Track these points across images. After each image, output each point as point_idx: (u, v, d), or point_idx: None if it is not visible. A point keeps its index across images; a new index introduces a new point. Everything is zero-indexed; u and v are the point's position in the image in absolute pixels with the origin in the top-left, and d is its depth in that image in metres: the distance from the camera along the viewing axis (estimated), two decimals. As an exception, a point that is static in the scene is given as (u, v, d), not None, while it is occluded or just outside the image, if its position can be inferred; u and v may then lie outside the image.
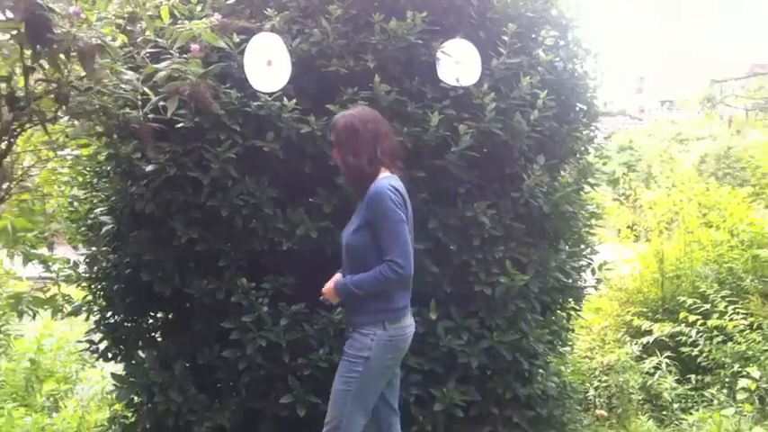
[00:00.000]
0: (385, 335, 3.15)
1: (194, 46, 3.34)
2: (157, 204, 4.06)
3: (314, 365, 3.89)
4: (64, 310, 5.22)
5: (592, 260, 4.95)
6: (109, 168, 4.48)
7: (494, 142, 4.06)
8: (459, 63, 4.02)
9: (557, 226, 4.32)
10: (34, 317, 7.10)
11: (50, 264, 5.48)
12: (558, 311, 4.73)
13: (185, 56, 3.39)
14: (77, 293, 5.07)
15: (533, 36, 4.32)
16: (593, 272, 5.04)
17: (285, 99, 3.77)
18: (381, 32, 3.90)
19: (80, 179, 4.88)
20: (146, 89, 3.43)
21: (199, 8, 3.88)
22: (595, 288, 5.23)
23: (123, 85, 3.36)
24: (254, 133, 3.88)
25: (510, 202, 4.12)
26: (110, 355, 4.80)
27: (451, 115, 3.94)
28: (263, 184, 3.93)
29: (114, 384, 4.51)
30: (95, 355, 4.89)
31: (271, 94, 3.81)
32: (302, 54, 3.88)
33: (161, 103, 3.42)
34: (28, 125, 3.83)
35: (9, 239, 5.62)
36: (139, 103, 3.40)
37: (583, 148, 4.40)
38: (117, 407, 4.81)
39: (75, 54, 3.17)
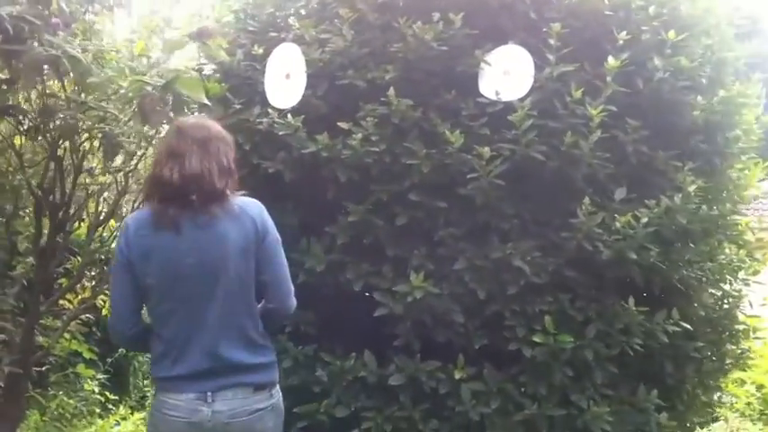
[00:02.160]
0: (154, 403, 2.47)
1: (159, 56, 3.12)
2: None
3: (312, 417, 3.43)
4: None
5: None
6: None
7: (551, 169, 3.32)
8: (507, 73, 3.36)
9: (634, 277, 3.41)
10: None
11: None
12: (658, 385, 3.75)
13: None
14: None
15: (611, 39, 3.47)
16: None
17: (289, 116, 3.39)
18: (413, 38, 3.35)
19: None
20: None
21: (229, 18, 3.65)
22: (738, 360, 4.11)
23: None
24: (271, 154, 3.54)
25: (565, 245, 3.34)
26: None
27: (485, 135, 3.28)
28: (286, 210, 3.57)
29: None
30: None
31: (281, 111, 3.45)
32: (319, 65, 3.47)
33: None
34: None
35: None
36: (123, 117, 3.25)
37: (682, 181, 3.41)
38: None
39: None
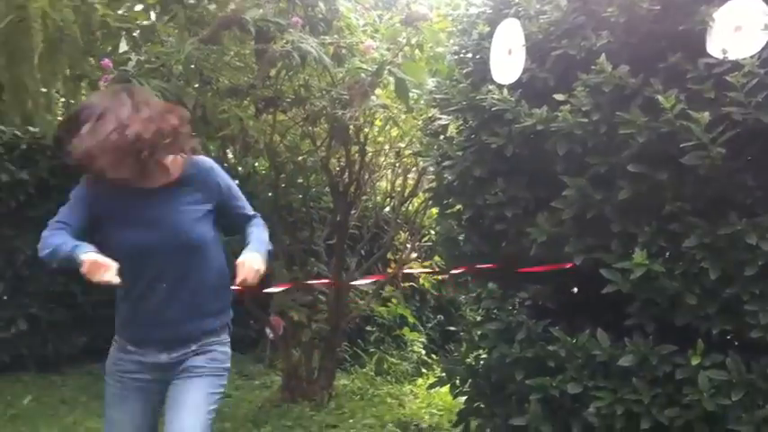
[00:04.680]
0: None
1: (369, 43, 3.33)
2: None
3: (545, 390, 3.42)
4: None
5: None
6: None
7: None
8: (739, 29, 2.95)
9: None
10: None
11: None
12: None
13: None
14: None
15: None
16: None
17: (505, 91, 3.37)
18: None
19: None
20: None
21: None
22: None
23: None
24: (500, 130, 3.56)
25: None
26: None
27: (709, 100, 2.93)
28: (520, 185, 3.59)
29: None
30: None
31: (503, 86, 3.45)
32: (538, 37, 3.39)
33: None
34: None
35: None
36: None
37: None
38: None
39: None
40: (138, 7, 5.16)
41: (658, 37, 3.13)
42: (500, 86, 3.44)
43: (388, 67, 3.43)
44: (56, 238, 2.38)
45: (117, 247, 2.42)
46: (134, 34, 4.79)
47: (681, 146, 2.91)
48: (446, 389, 4.27)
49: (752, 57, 2.83)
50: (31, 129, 5.95)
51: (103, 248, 2.35)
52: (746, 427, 2.97)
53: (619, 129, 3.11)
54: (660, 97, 2.94)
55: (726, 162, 2.92)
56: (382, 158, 5.03)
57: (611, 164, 3.20)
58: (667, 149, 3.03)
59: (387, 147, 4.94)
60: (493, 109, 3.39)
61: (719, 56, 2.93)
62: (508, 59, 3.47)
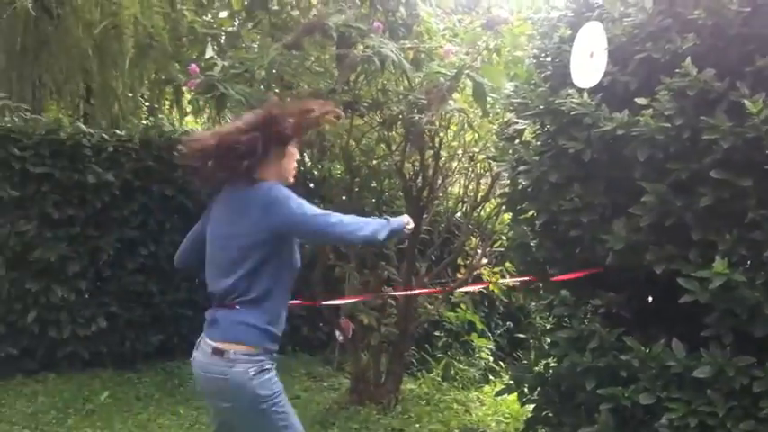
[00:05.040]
0: None
1: (448, 48, 3.35)
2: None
3: (616, 400, 3.36)
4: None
5: None
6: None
7: None
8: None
9: None
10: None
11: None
12: None
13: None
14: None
15: None
16: None
17: (585, 95, 3.36)
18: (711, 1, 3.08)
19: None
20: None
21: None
22: None
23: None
24: (578, 134, 3.53)
25: None
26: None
27: (798, 104, 2.87)
28: (597, 190, 3.56)
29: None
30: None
31: (580, 90, 3.44)
32: (622, 40, 3.37)
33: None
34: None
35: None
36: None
37: None
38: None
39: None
40: (224, 14, 5.34)
41: (747, 40, 3.08)
42: (580, 90, 3.42)
43: (466, 71, 3.46)
44: (367, 220, 2.71)
45: (293, 252, 2.69)
46: (220, 40, 4.95)
47: (767, 152, 2.85)
48: (513, 396, 4.23)
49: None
50: (117, 132, 6.17)
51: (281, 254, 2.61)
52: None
53: (702, 134, 3.06)
54: (747, 102, 2.89)
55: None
56: (455, 163, 5.05)
57: (692, 170, 3.14)
58: (752, 155, 2.98)
59: (460, 151, 4.96)
60: (572, 113, 3.37)
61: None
62: (589, 63, 3.45)
